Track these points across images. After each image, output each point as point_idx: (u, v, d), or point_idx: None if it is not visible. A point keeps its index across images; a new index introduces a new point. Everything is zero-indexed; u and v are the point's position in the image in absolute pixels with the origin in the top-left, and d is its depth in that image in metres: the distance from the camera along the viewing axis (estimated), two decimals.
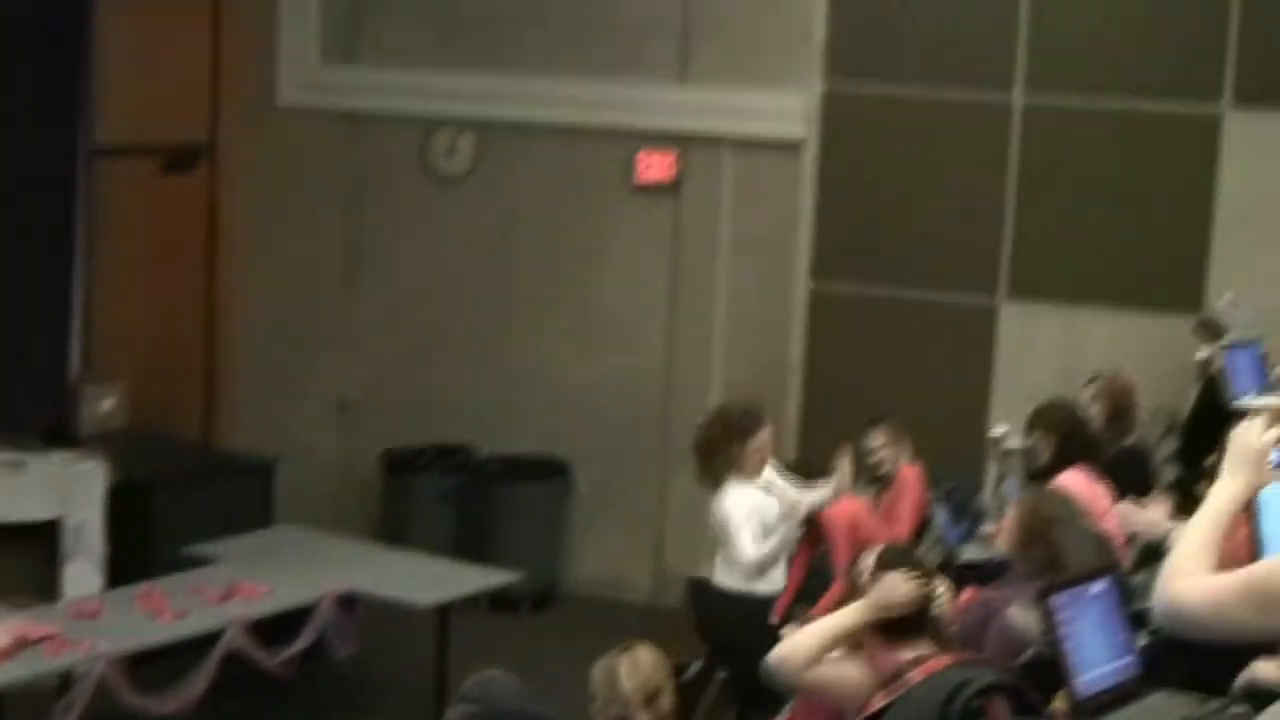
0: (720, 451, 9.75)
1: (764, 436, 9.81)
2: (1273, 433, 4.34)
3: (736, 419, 9.88)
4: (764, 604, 9.59)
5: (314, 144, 14.74)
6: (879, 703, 5.97)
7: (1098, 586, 5.22)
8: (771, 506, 9.65)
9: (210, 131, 14.71)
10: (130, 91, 13.80)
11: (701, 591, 10.03)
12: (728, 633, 9.76)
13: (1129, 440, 10.59)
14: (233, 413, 15.07)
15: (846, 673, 6.25)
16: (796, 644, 5.59)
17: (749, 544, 9.56)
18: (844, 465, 9.82)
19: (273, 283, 14.88)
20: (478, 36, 14.29)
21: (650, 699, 6.32)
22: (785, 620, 10.28)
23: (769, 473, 9.87)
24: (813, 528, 10.59)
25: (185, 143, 14.52)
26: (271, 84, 14.78)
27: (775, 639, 8.69)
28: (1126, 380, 10.69)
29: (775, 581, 9.77)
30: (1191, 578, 4.17)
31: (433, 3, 14.38)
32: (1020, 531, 7.52)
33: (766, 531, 9.61)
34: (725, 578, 9.80)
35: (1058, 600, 5.04)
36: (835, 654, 6.39)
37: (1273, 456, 4.34)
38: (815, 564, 10.51)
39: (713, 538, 9.93)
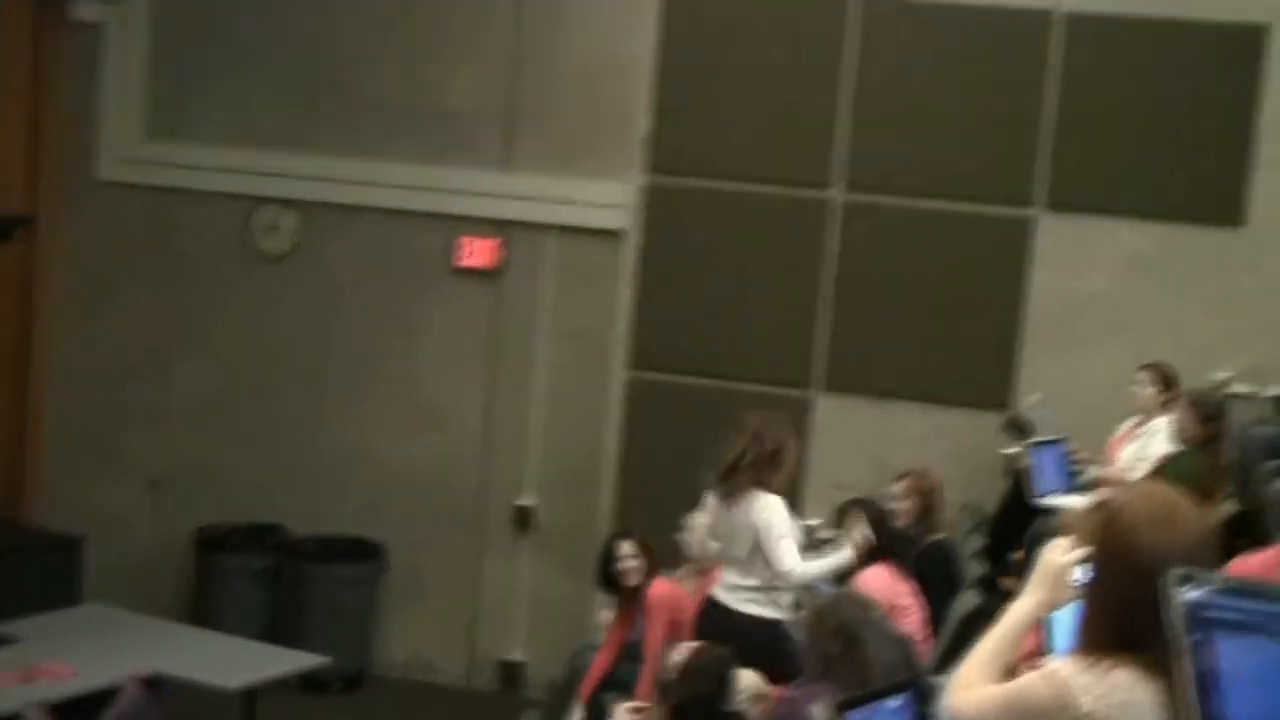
0: (749, 470, 9.46)
1: (791, 465, 9.72)
2: (1075, 554, 4.42)
3: (770, 451, 9.57)
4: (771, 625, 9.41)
5: (134, 219, 14.59)
6: None
7: (894, 702, 5.24)
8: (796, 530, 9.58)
9: (29, 203, 14.49)
10: None
11: (717, 611, 9.57)
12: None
13: (936, 536, 10.69)
14: (42, 489, 14.82)
15: None
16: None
17: (793, 555, 9.31)
18: (859, 528, 9.66)
19: (88, 357, 14.69)
20: (303, 118, 14.22)
21: None
22: (592, 700, 10.28)
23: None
24: (625, 608, 10.58)
25: (2, 214, 14.29)
26: (93, 158, 14.63)
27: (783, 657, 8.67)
28: (934, 477, 10.80)
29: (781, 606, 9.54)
30: (970, 690, 4.35)
31: (256, 84, 14.29)
32: (818, 636, 7.55)
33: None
34: (731, 597, 9.56)
35: (854, 715, 5.06)
36: None
37: (1076, 575, 4.41)
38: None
39: (718, 551, 9.72)
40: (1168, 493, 4.38)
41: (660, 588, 10.36)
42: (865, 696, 5.32)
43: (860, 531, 9.63)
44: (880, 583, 9.48)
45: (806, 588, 9.79)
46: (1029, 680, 4.22)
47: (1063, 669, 4.14)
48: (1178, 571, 3.56)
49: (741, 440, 9.50)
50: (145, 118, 14.62)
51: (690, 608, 10.30)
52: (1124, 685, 4.05)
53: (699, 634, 9.20)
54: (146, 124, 14.62)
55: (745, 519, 9.37)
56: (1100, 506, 4.91)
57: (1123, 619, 4.12)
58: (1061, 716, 4.10)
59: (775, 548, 9.25)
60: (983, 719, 4.30)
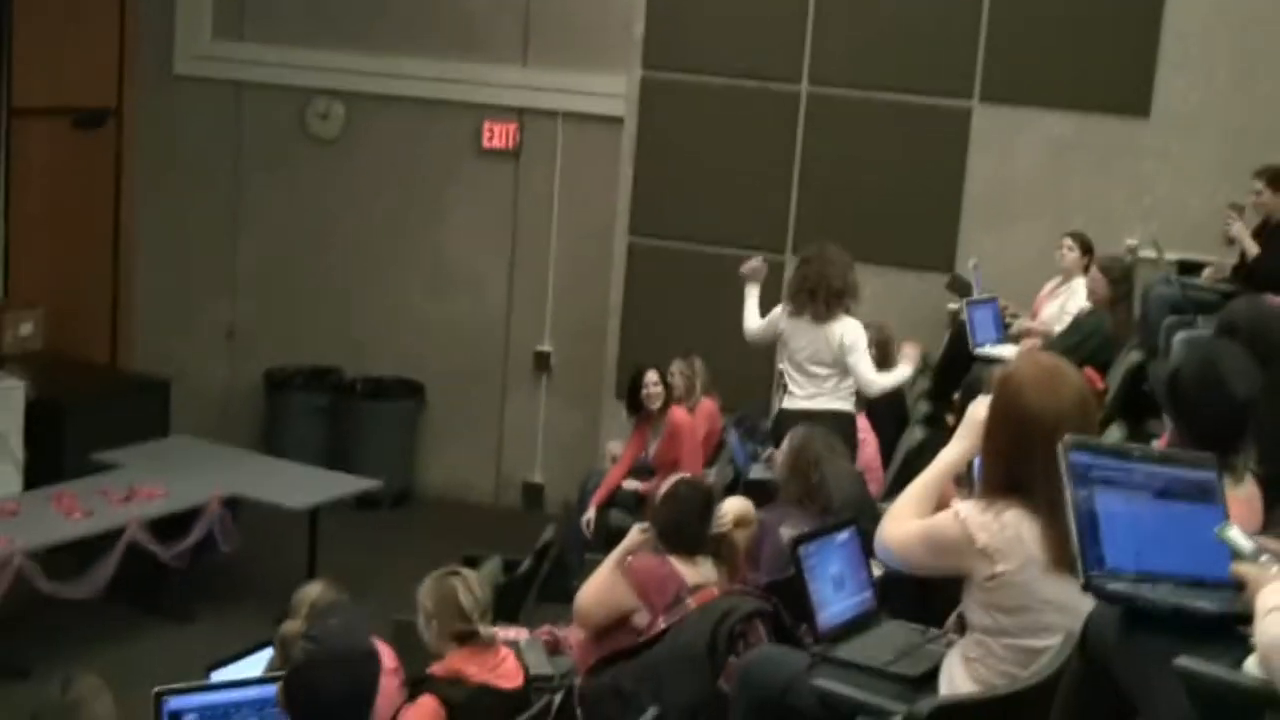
0: (834, 295, 9.31)
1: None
2: None
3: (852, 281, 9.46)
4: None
5: (205, 109, 14.67)
6: (659, 626, 6.13)
7: (842, 535, 5.36)
8: None
9: (116, 96, 14.57)
10: (44, 60, 13.66)
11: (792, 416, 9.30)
12: None
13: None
14: (136, 341, 15.01)
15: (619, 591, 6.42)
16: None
17: (874, 369, 9.34)
18: (913, 352, 9.78)
19: (169, 230, 14.82)
20: (348, 19, 14.27)
21: (484, 612, 6.37)
22: (601, 510, 10.46)
23: None
24: (640, 429, 10.76)
25: (94, 106, 14.38)
26: (169, 56, 14.69)
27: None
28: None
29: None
30: (898, 523, 4.41)
31: None
32: (790, 465, 7.67)
33: None
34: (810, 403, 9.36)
35: (806, 549, 5.16)
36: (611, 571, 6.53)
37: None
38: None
39: (799, 364, 9.42)
40: (1052, 360, 4.42)
41: (680, 413, 10.59)
42: (816, 532, 5.42)
43: (912, 354, 9.75)
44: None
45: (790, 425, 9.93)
46: (940, 518, 4.29)
47: (963, 509, 4.22)
48: (1069, 437, 3.67)
49: (817, 268, 9.38)
50: (213, 20, 14.66)
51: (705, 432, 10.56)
52: (1012, 524, 4.15)
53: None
54: (214, 25, 14.67)
55: (829, 338, 9.28)
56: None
57: (1011, 468, 4.20)
58: (964, 549, 4.19)
59: (859, 362, 9.24)
60: (905, 548, 4.37)
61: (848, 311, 9.34)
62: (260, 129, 14.64)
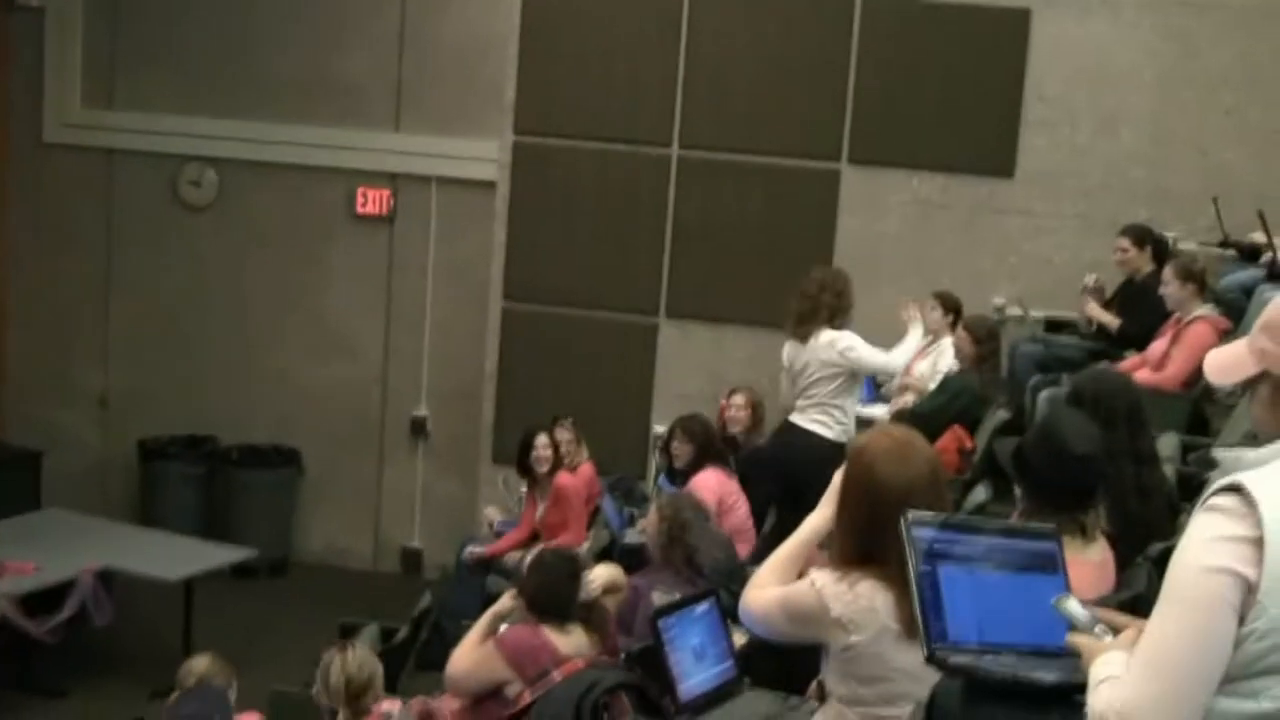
0: (820, 310, 9.58)
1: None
2: None
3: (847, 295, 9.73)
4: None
5: (76, 177, 14.57)
6: (526, 699, 6.14)
7: (702, 607, 5.37)
8: None
9: None
10: None
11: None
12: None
13: (760, 440, 10.87)
14: (6, 410, 14.83)
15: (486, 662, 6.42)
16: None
17: (883, 354, 9.72)
18: (917, 323, 9.98)
19: (41, 298, 14.68)
20: (219, 87, 14.23)
21: (354, 696, 6.34)
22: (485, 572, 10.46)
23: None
24: (531, 492, 10.77)
25: None
26: (38, 124, 14.58)
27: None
28: (760, 393, 10.98)
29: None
30: (760, 590, 4.39)
31: (180, 58, 14.27)
32: (660, 530, 7.71)
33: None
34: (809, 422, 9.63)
35: (666, 621, 5.17)
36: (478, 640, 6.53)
37: None
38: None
39: (797, 388, 9.67)
40: (904, 432, 4.44)
41: (566, 477, 10.60)
42: (675, 605, 5.42)
43: (919, 324, 10.11)
44: (713, 482, 9.67)
45: (660, 488, 9.97)
46: (798, 587, 4.29)
47: (819, 579, 4.22)
48: (912, 513, 3.71)
49: (811, 289, 9.68)
50: (82, 88, 14.58)
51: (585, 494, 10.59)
52: (866, 594, 4.16)
53: (779, 452, 9.57)
54: (84, 93, 14.59)
55: (820, 354, 9.54)
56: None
57: (864, 539, 4.22)
58: (820, 619, 4.20)
59: (867, 356, 9.59)
60: (766, 616, 4.36)
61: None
62: (132, 196, 14.56)
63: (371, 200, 14.09)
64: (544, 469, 10.57)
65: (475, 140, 13.44)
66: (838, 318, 9.63)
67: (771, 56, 12.17)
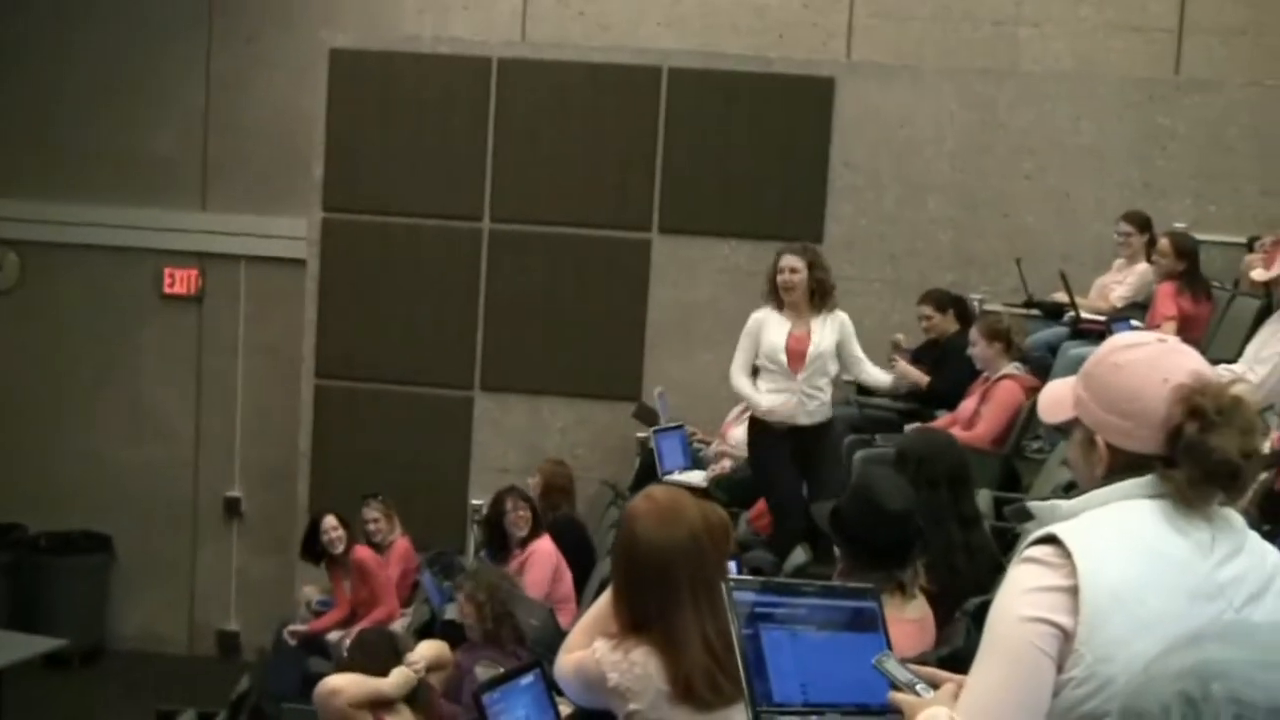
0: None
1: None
2: None
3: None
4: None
5: None
6: None
7: (527, 678, 5.33)
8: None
9: None
10: None
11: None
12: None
13: (567, 511, 10.85)
14: None
15: None
16: None
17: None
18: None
19: None
20: (19, 166, 13.95)
21: None
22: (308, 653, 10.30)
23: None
24: (334, 574, 10.65)
25: None
26: None
27: None
28: (560, 464, 10.95)
29: None
30: (564, 655, 4.33)
31: None
32: (473, 604, 7.67)
33: None
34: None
35: (490, 696, 5.11)
36: None
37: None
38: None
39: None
40: (670, 495, 4.34)
41: (363, 551, 10.51)
42: (499, 679, 5.37)
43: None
44: (551, 551, 9.67)
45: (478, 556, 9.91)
46: (583, 655, 4.22)
47: (599, 648, 4.15)
48: (733, 578, 3.70)
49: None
50: None
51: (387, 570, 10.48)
52: (640, 661, 4.09)
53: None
54: None
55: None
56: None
57: (635, 604, 4.15)
58: (602, 687, 4.13)
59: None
60: (566, 683, 4.31)
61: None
62: None
63: (179, 280, 13.88)
64: (339, 549, 10.54)
65: (284, 218, 13.30)
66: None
67: (580, 128, 12.21)
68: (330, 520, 10.54)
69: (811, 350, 8.59)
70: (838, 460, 8.83)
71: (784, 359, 8.62)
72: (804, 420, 8.68)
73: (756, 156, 12.04)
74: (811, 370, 8.61)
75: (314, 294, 12.59)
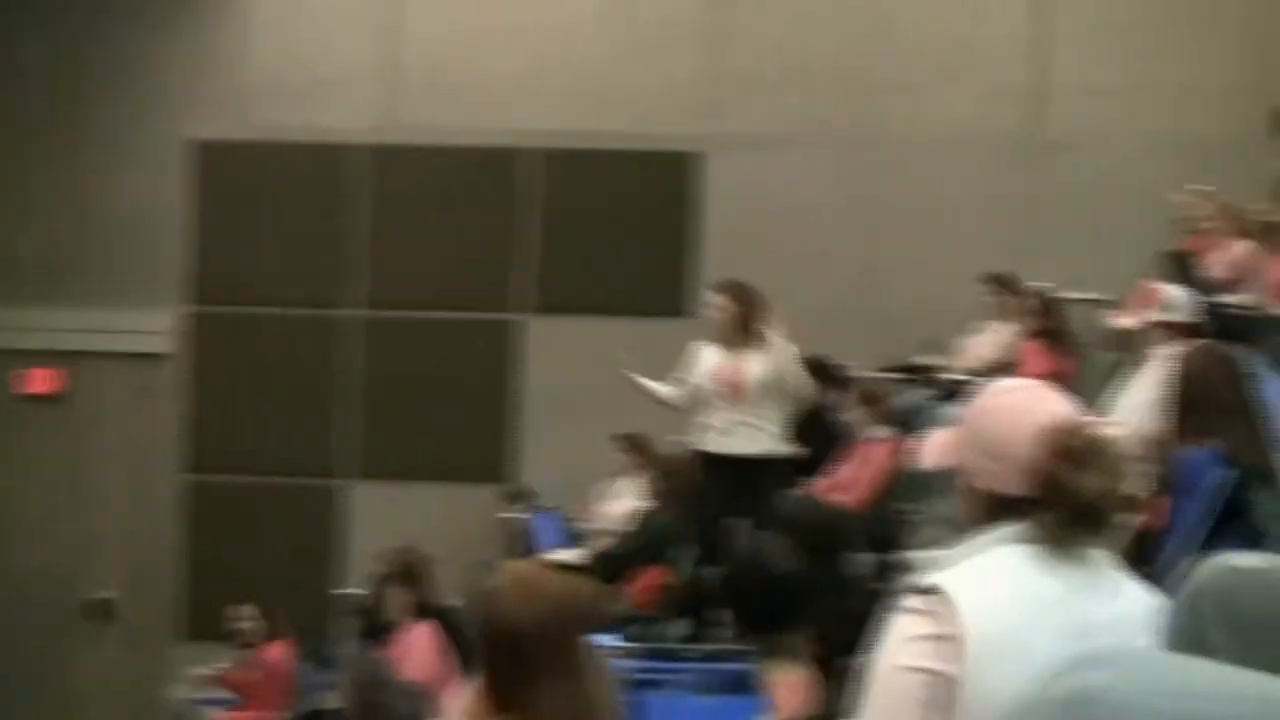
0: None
1: None
2: None
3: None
4: None
5: None
6: None
7: None
8: None
9: None
10: None
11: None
12: None
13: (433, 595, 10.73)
14: None
15: None
16: None
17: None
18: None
19: None
20: None
21: None
22: None
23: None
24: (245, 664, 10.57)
25: None
26: None
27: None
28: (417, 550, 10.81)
29: None
30: None
31: None
32: (352, 693, 7.57)
33: None
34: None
35: None
36: None
37: None
38: None
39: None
40: (530, 570, 4.30)
41: (275, 650, 10.41)
42: None
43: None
44: (429, 636, 9.54)
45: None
46: None
47: None
48: (611, 643, 3.69)
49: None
50: None
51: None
52: None
53: None
54: None
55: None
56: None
57: (498, 683, 3.99)
58: None
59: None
60: None
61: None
62: None
63: (40, 379, 13.61)
64: (252, 640, 10.61)
65: (148, 313, 13.10)
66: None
67: (447, 211, 12.23)
68: (246, 610, 10.50)
69: (755, 377, 8.51)
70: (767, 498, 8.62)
71: (715, 388, 8.60)
72: (735, 450, 8.57)
73: (626, 234, 12.10)
74: (758, 396, 8.52)
75: (181, 388, 12.45)
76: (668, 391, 8.85)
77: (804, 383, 8.74)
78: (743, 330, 8.64)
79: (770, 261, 12.05)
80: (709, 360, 8.71)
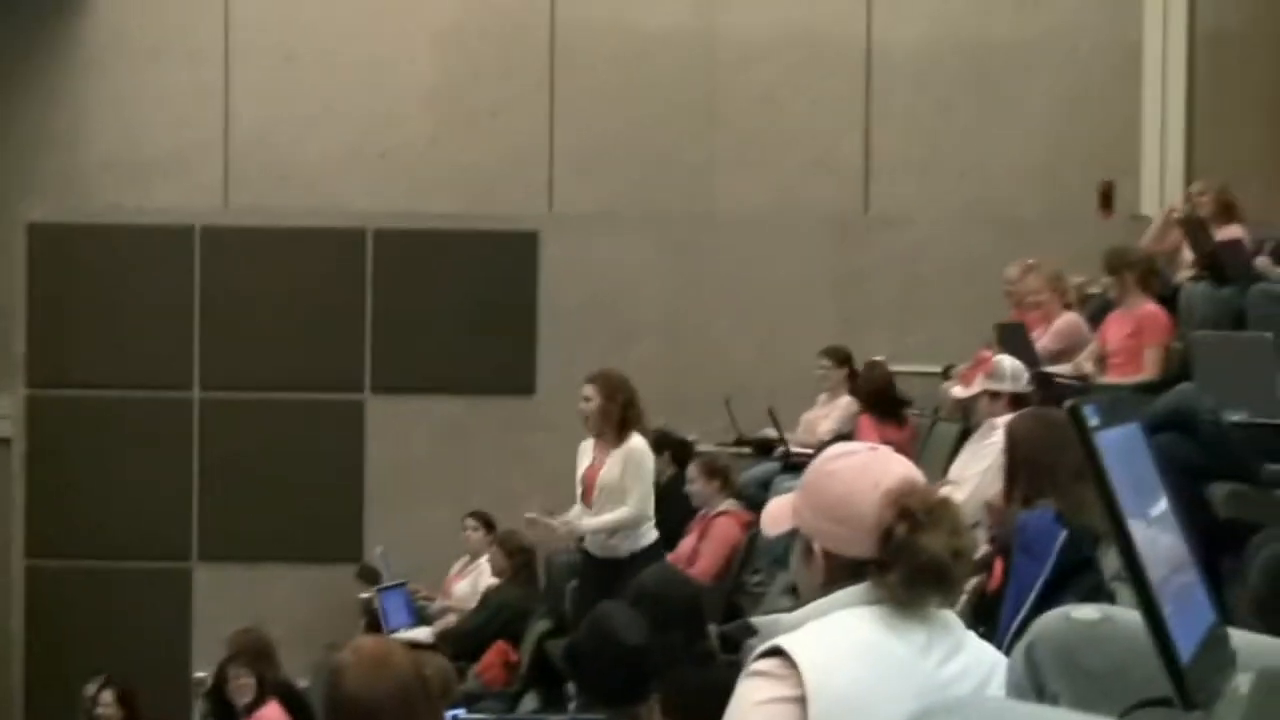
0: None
1: None
2: None
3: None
4: None
5: None
6: None
7: None
8: None
9: None
10: None
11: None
12: None
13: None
14: None
15: None
16: None
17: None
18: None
19: None
20: None
21: None
22: None
23: None
24: None
25: None
26: None
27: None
28: (258, 630, 10.67)
29: None
30: None
31: None
32: None
33: None
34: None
35: None
36: None
37: None
38: None
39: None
40: (380, 646, 4.32)
41: None
42: None
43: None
44: (274, 717, 9.42)
45: None
46: None
47: None
48: (461, 716, 3.68)
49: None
50: None
51: None
52: None
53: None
54: None
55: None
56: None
57: None
58: None
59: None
60: None
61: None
62: None
63: None
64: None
65: None
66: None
67: (287, 291, 12.17)
68: (106, 695, 10.42)
69: (600, 479, 8.40)
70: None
71: (579, 490, 8.48)
72: (596, 552, 8.44)
73: (466, 312, 12.11)
74: (600, 500, 8.40)
75: (21, 473, 12.24)
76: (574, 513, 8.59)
77: (633, 487, 8.45)
78: (608, 422, 8.47)
79: (610, 338, 12.15)
80: (583, 457, 8.58)
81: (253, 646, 10.52)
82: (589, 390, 8.60)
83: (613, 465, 8.45)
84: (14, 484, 12.26)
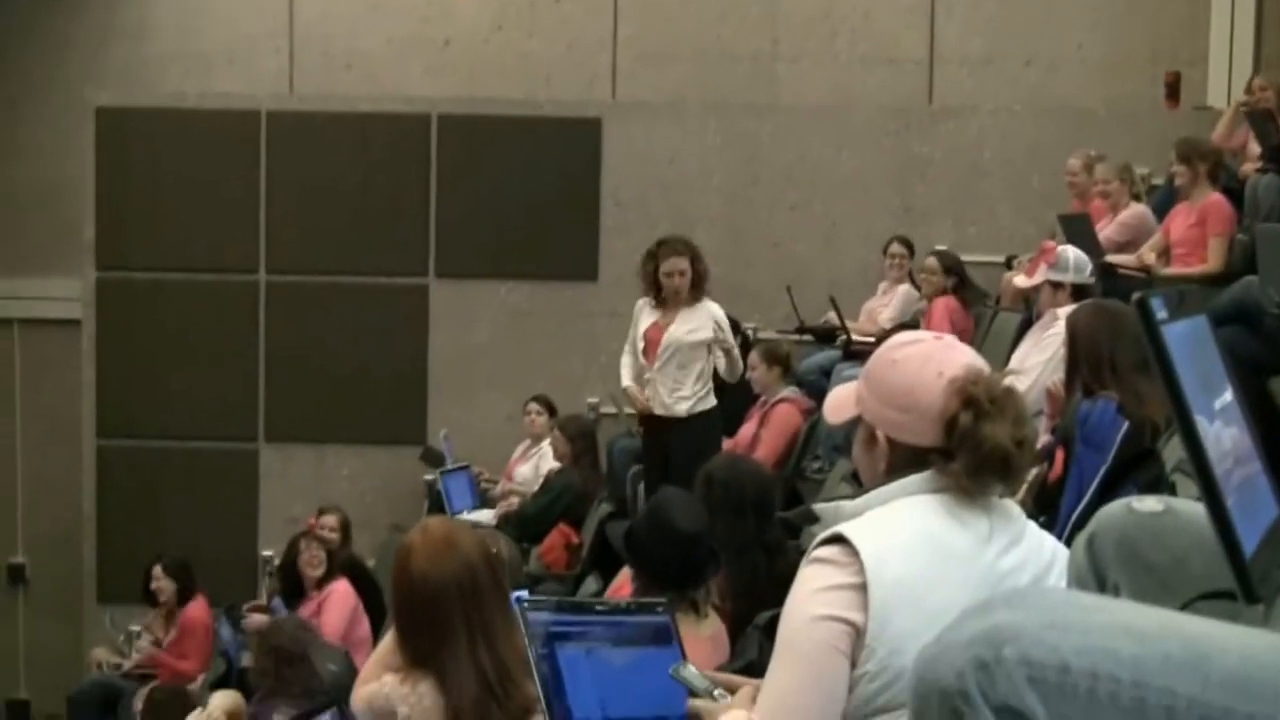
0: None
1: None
2: None
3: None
4: None
5: None
6: None
7: (325, 717, 5.27)
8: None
9: None
10: None
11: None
12: None
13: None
14: None
15: None
16: None
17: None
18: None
19: None
20: None
21: None
22: None
23: None
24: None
25: None
26: None
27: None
28: (335, 509, 10.76)
29: None
30: (360, 685, 4.29)
31: None
32: (267, 656, 7.52)
33: None
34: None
35: None
36: None
37: None
38: None
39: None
40: (444, 529, 4.32)
41: (193, 610, 10.47)
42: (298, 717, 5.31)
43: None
44: (347, 593, 9.55)
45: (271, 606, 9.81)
46: (375, 687, 4.19)
47: (388, 680, 4.13)
48: (527, 599, 3.68)
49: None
50: None
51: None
52: (428, 694, 4.08)
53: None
54: None
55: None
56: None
57: (411, 639, 4.13)
58: (393, 719, 4.11)
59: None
60: (360, 712, 4.26)
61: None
62: None
63: None
64: (164, 598, 10.53)
65: (57, 279, 12.97)
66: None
67: (352, 177, 12.15)
68: (157, 569, 10.45)
69: (665, 340, 8.44)
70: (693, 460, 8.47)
71: (642, 346, 8.53)
72: (659, 410, 8.51)
73: (528, 198, 12.06)
74: (664, 361, 8.45)
75: (91, 354, 12.33)
76: (626, 370, 8.70)
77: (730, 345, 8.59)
78: (694, 290, 8.53)
79: (671, 225, 12.08)
80: (642, 317, 8.63)
81: (328, 525, 10.67)
82: (682, 264, 8.54)
83: (686, 323, 8.45)
84: (85, 365, 12.36)
